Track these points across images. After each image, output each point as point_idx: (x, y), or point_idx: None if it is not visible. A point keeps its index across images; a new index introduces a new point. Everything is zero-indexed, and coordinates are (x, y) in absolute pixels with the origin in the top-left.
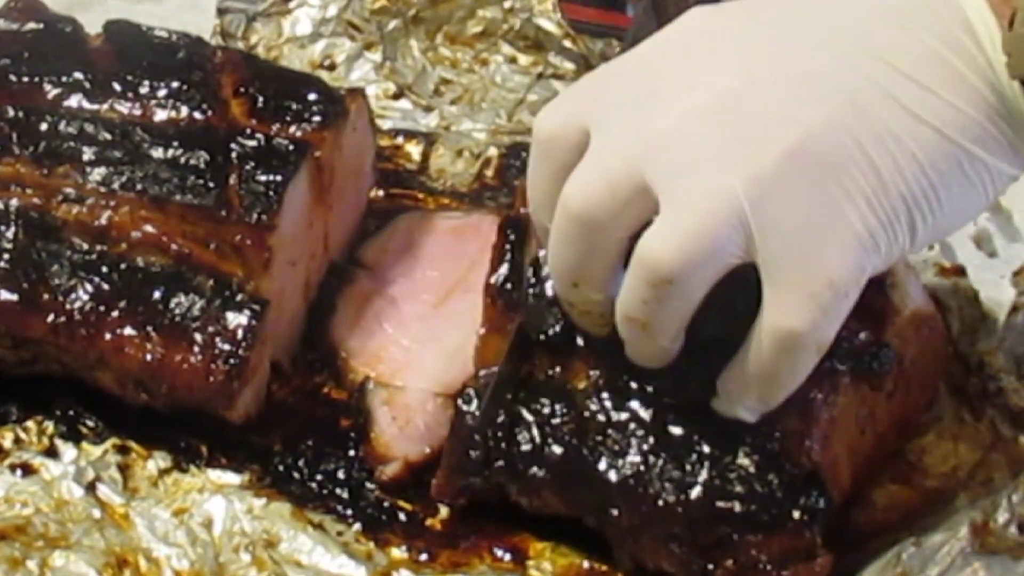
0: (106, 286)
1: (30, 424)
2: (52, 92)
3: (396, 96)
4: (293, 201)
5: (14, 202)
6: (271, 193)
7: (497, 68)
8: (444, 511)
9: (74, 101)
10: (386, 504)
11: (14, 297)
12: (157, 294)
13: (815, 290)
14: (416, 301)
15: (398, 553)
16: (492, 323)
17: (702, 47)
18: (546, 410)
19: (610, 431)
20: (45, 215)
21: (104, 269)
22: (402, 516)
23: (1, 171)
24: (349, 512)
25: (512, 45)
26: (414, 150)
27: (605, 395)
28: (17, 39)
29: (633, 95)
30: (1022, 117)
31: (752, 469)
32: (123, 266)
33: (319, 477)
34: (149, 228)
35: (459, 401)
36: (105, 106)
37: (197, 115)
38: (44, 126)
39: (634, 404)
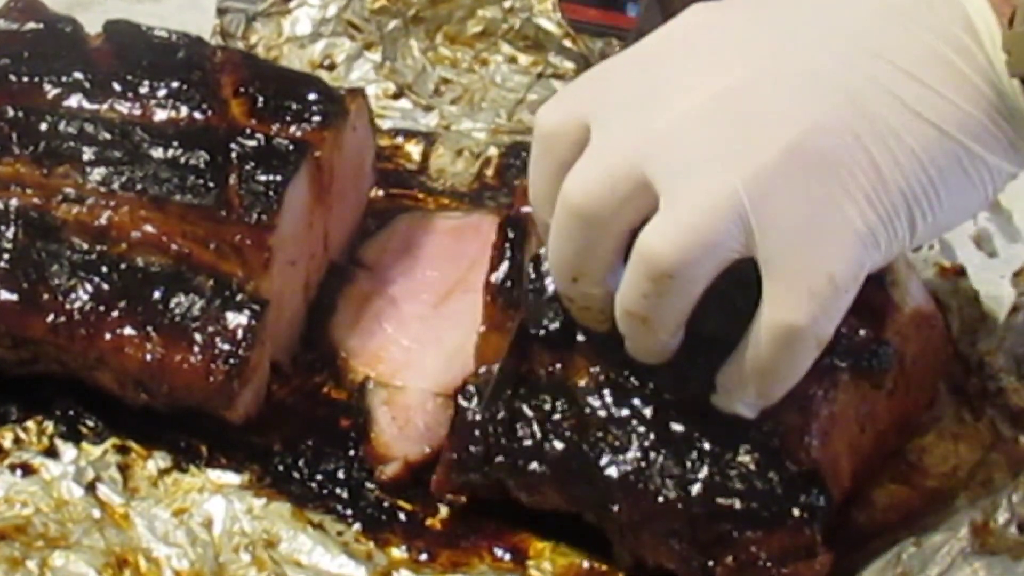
0: (106, 286)
1: (30, 424)
2: (52, 92)
3: (396, 96)
4: (293, 201)
5: (14, 202)
6: (271, 193)
7: (497, 68)
8: (444, 511)
9: (74, 101)
10: (386, 504)
11: (14, 297)
12: (157, 294)
13: (815, 286)
14: (416, 301)
15: (398, 553)
16: (492, 321)
17: (703, 44)
18: (547, 406)
19: (610, 427)
20: (45, 215)
21: (104, 269)
22: (402, 516)
23: (1, 171)
24: (349, 512)
25: (512, 45)
26: (414, 150)
27: (605, 391)
28: (17, 39)
29: (634, 91)
30: (1021, 115)
31: (752, 466)
32: (123, 266)
33: (319, 477)
34: (149, 228)
35: (459, 397)
36: (105, 106)
37: (197, 115)
38: (44, 126)
39: (634, 400)
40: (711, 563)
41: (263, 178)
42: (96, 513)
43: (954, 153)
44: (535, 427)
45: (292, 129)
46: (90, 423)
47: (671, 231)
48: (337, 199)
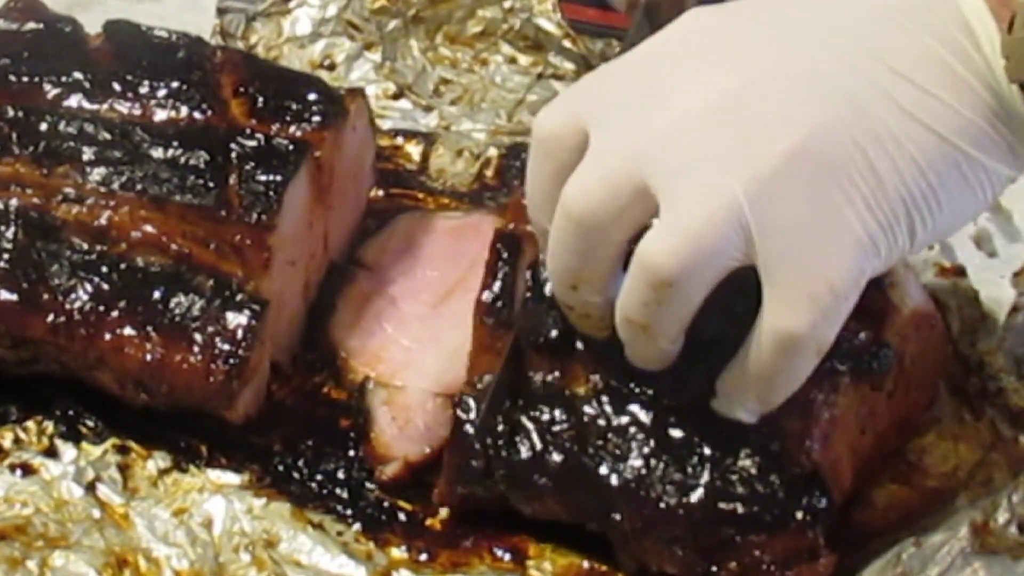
0: (106, 286)
1: (30, 424)
2: (52, 92)
3: (396, 96)
4: (293, 201)
5: (14, 202)
6: (271, 193)
7: (497, 68)
8: (444, 511)
9: (74, 101)
10: (386, 504)
11: (14, 297)
12: (157, 294)
13: (815, 292)
14: (416, 301)
15: (398, 553)
16: (482, 343)
17: (702, 47)
18: (545, 417)
19: (610, 435)
20: (45, 215)
21: (104, 269)
22: (402, 516)
23: (1, 171)
24: (349, 512)
25: (512, 45)
26: (414, 150)
27: (605, 399)
28: (17, 39)
29: (633, 95)
30: (1020, 120)
31: (754, 470)
32: (123, 266)
33: (319, 477)
34: (149, 228)
35: (457, 411)
36: (105, 106)
37: (197, 115)
38: (44, 126)
39: (634, 407)
40: (715, 568)
41: (263, 178)
42: (96, 513)
43: (953, 158)
44: (535, 438)
45: (292, 129)
46: (90, 423)
47: (671, 239)
48: (337, 199)
